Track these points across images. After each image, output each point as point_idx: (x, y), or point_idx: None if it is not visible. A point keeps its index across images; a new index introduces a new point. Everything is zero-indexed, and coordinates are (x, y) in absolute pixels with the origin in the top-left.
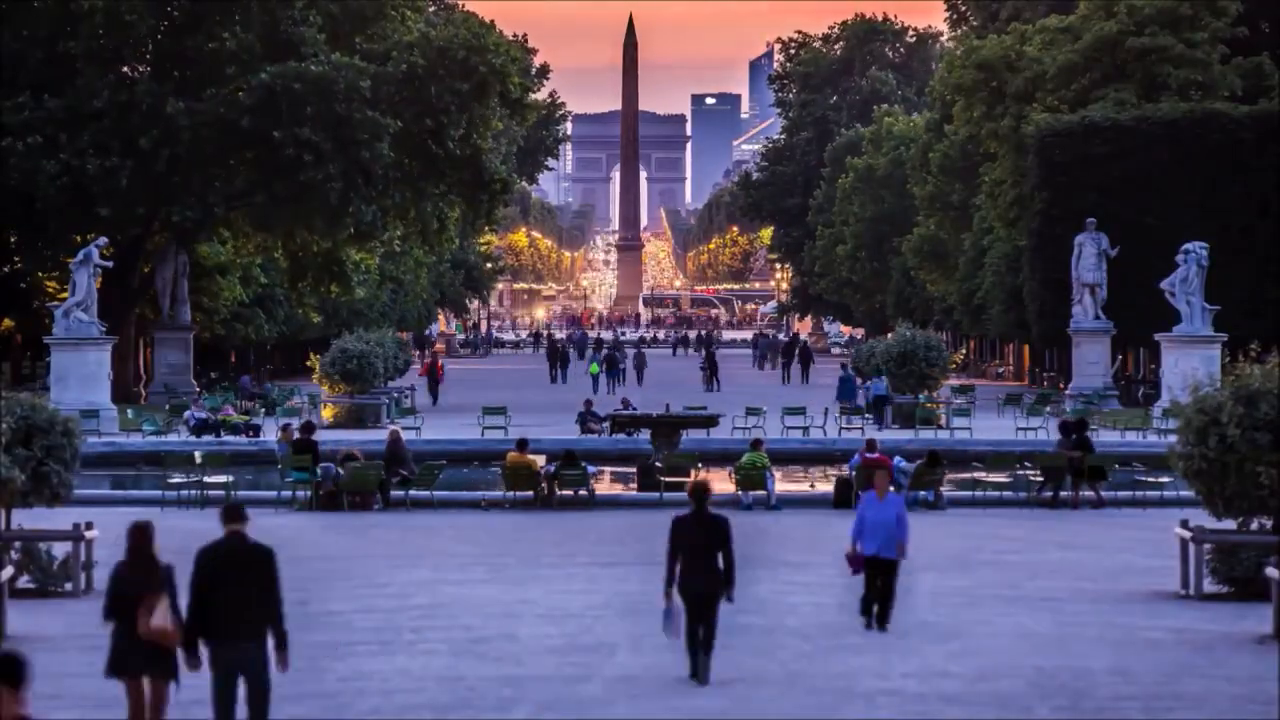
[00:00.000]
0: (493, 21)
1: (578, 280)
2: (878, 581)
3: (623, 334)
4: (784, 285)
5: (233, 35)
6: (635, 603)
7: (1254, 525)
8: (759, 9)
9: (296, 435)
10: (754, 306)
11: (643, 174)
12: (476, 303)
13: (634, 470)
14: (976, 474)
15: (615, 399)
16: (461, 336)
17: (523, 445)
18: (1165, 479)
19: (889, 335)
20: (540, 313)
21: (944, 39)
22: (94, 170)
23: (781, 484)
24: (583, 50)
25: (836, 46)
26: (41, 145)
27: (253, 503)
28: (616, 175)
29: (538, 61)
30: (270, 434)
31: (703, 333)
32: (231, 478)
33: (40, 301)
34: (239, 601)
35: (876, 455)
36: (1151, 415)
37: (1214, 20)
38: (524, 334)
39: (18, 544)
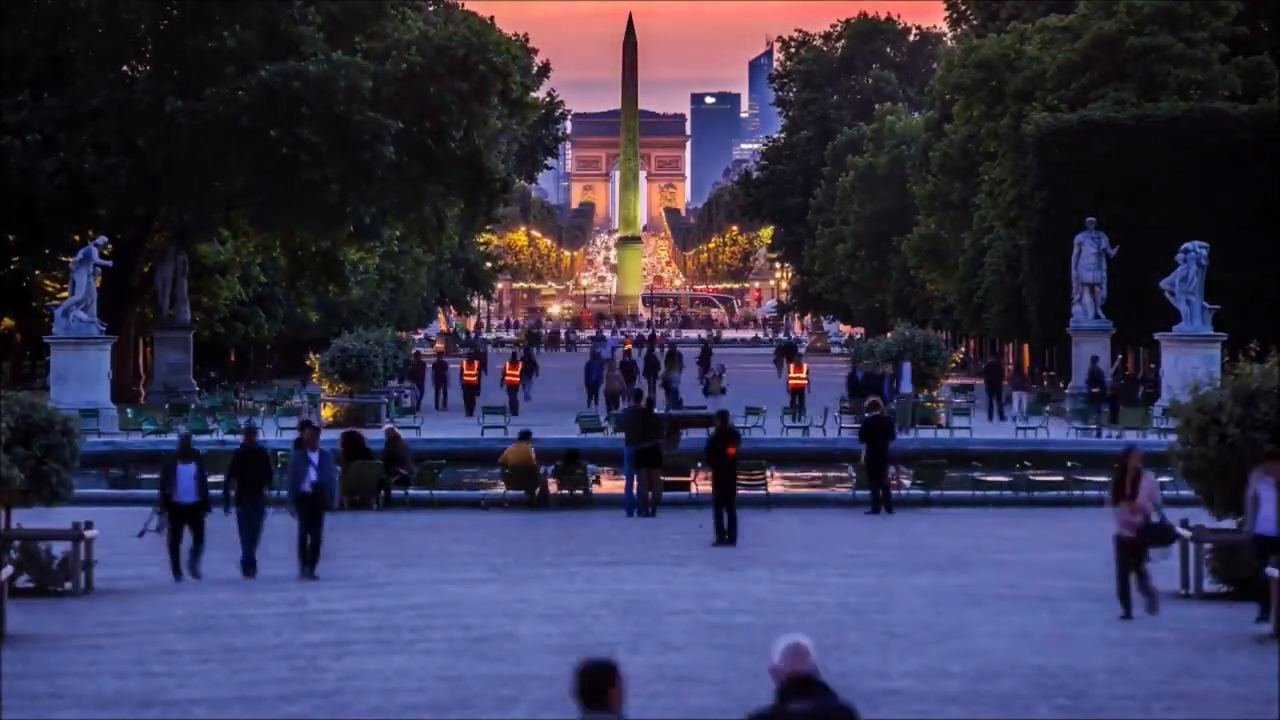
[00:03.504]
0: (492, 18)
1: (578, 279)
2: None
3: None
4: (784, 284)
5: (232, 34)
6: (635, 602)
7: None
8: (759, 9)
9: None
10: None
11: (642, 173)
12: (481, 301)
13: None
14: (976, 474)
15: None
16: (463, 335)
17: (526, 437)
18: (1165, 479)
19: (888, 334)
20: (555, 309)
21: (946, 39)
22: (91, 169)
23: (780, 484)
24: (582, 50)
25: (837, 45)
26: (40, 144)
27: None
28: (616, 174)
29: (538, 61)
30: (270, 434)
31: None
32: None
33: (40, 301)
34: None
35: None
36: (1151, 415)
37: (1214, 19)
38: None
39: (17, 543)
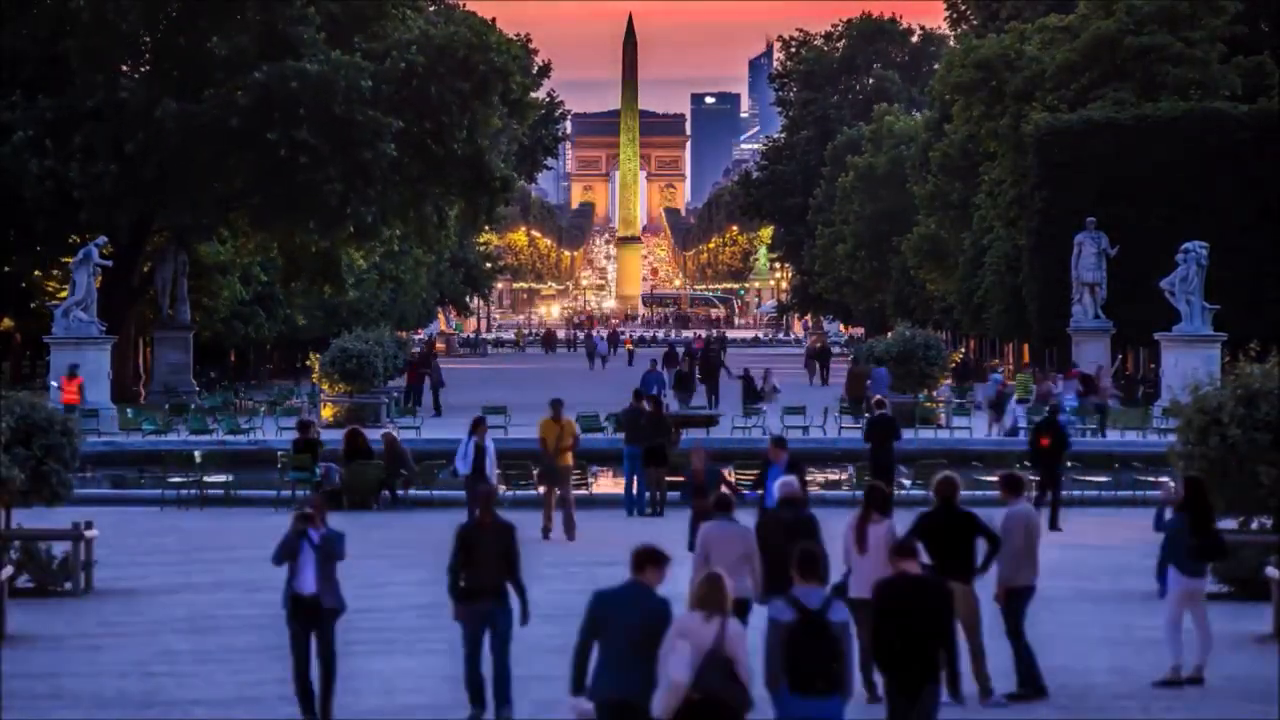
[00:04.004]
0: (493, 19)
1: (577, 279)
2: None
3: (622, 333)
4: (784, 285)
5: (230, 35)
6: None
7: (1254, 525)
8: (759, 9)
9: (297, 435)
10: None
11: (642, 173)
12: (479, 301)
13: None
14: (976, 474)
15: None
16: (462, 335)
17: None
18: (1165, 479)
19: (888, 334)
20: (550, 310)
21: (949, 39)
22: (76, 174)
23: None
24: (582, 50)
25: (838, 45)
26: (29, 145)
27: (253, 502)
28: (616, 174)
29: (538, 61)
30: (269, 433)
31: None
32: (232, 477)
33: (40, 301)
34: None
35: None
36: (1151, 415)
37: (1213, 19)
38: (528, 333)
39: (17, 543)
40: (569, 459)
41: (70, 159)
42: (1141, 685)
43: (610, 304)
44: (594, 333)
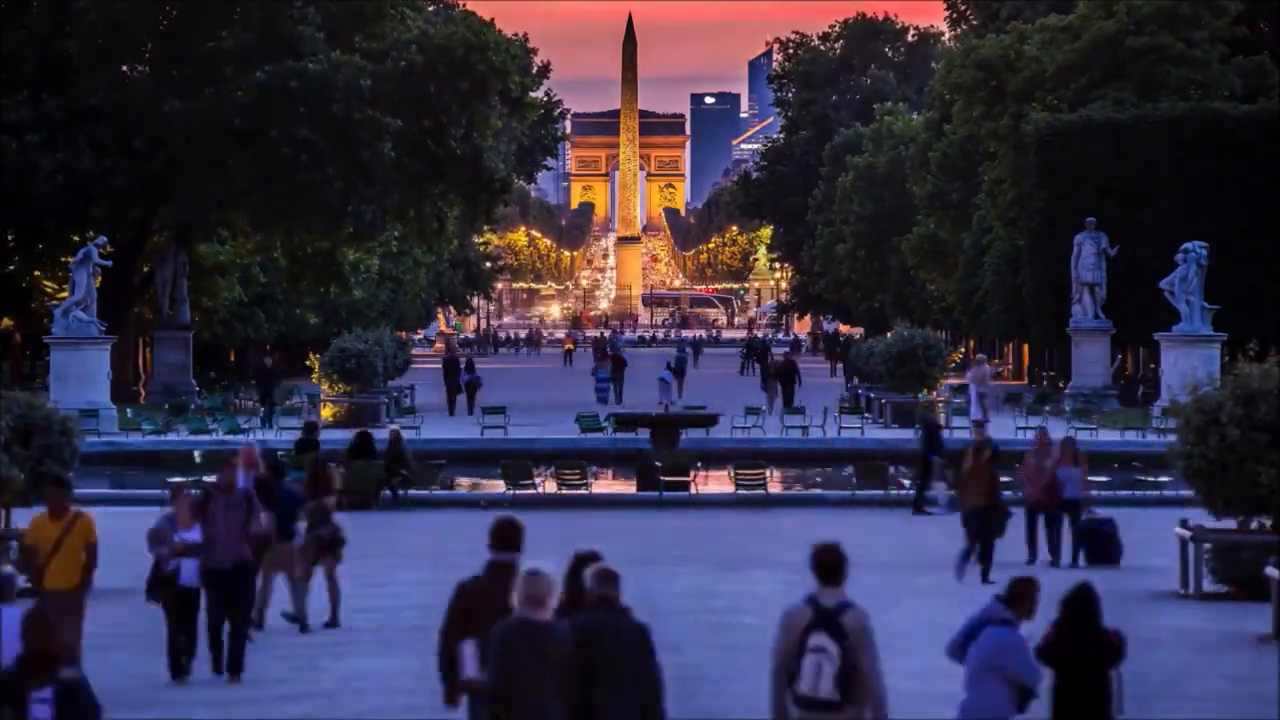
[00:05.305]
0: (493, 20)
1: (577, 280)
2: None
3: (622, 334)
4: (784, 285)
5: (231, 34)
6: (635, 602)
7: (1254, 525)
8: (759, 9)
9: (301, 435)
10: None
11: (642, 173)
12: (480, 300)
13: (634, 470)
14: None
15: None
16: (464, 335)
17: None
18: (1165, 479)
19: (888, 334)
20: (555, 310)
21: (945, 39)
22: (89, 169)
23: (777, 485)
24: (582, 50)
25: (836, 45)
26: (38, 144)
27: None
28: (616, 174)
29: (538, 61)
30: (269, 434)
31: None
32: None
33: (39, 301)
34: None
35: None
36: (1151, 415)
37: (1214, 19)
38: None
39: (15, 543)
40: (75, 575)
41: (80, 154)
42: (1142, 685)
43: (604, 304)
44: (578, 332)
